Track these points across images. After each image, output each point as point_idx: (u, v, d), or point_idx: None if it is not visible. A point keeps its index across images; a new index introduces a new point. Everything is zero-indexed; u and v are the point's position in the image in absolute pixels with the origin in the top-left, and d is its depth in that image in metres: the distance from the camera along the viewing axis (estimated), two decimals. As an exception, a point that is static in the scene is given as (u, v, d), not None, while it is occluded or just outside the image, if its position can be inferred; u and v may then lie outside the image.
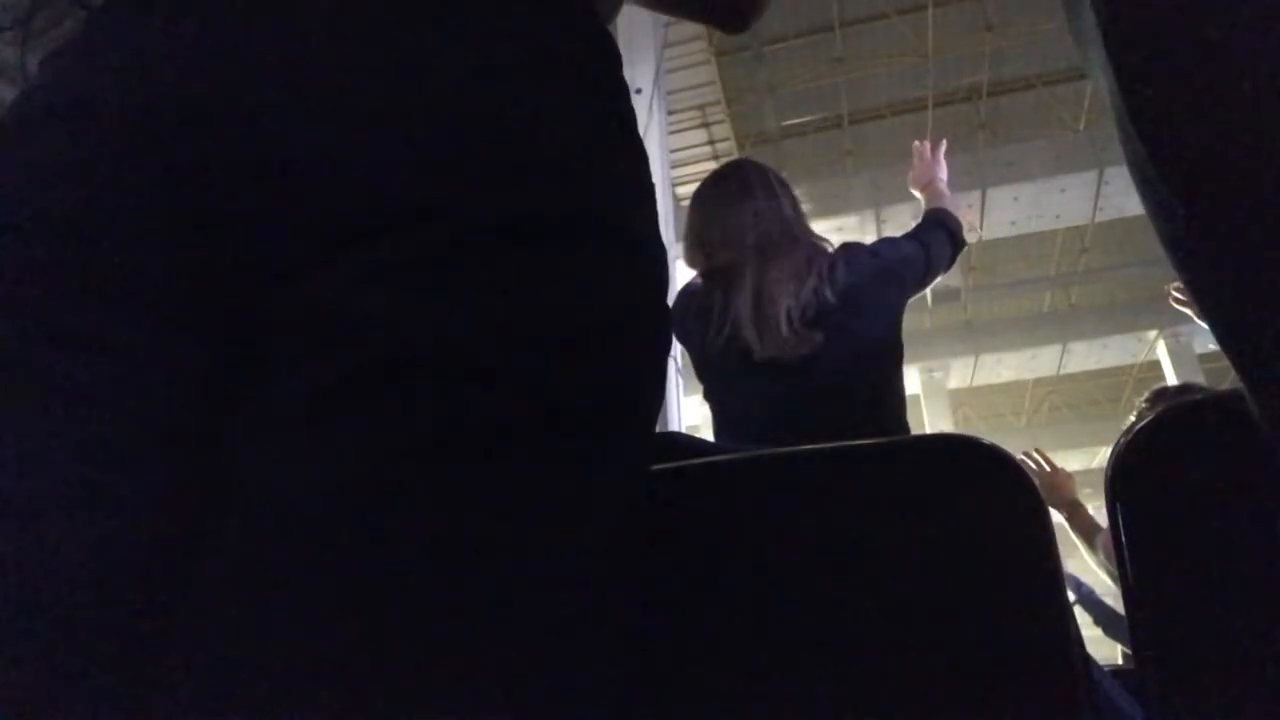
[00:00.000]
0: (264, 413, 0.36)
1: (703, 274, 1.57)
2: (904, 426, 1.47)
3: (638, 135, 0.48)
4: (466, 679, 0.33)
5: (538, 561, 0.35)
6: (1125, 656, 2.11)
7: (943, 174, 1.80)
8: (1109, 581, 2.12)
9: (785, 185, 1.57)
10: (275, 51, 0.40)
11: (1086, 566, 2.15)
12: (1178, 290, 1.94)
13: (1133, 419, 2.19)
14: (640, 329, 0.42)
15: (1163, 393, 2.17)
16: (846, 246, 1.54)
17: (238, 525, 0.34)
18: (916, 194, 1.82)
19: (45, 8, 0.43)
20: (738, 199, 1.53)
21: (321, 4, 0.41)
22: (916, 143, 1.85)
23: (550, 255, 0.38)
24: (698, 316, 1.52)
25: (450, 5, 0.42)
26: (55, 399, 0.36)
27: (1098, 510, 2.16)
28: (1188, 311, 1.95)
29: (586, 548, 0.38)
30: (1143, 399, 2.17)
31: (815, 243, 1.52)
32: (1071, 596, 2.17)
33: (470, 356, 0.35)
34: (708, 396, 1.57)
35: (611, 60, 0.48)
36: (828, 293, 1.41)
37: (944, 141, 1.84)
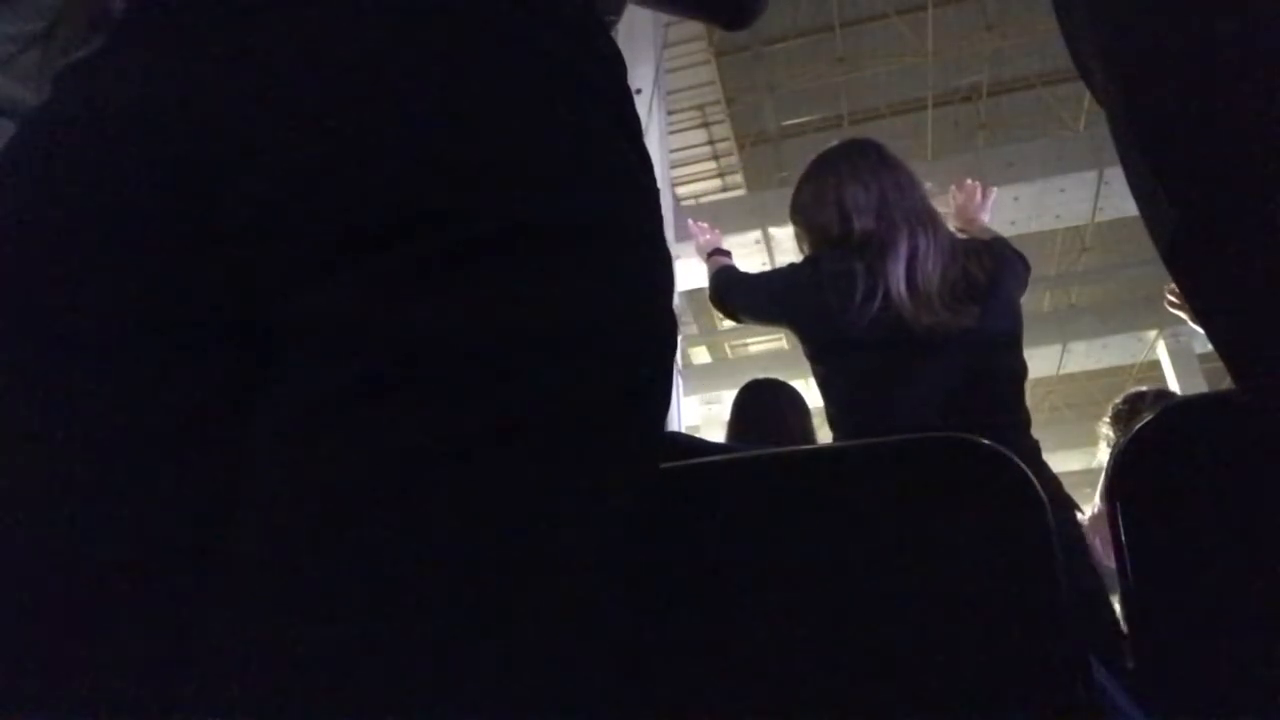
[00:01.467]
0: (272, 418, 0.36)
1: (830, 247, 1.52)
2: (1028, 425, 1.46)
3: (641, 138, 0.48)
4: (470, 676, 0.33)
5: (543, 562, 0.36)
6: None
7: (988, 218, 1.79)
8: None
9: (916, 176, 1.56)
10: (281, 62, 0.40)
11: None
12: (1173, 294, 1.95)
13: (1107, 421, 2.18)
14: (646, 331, 0.43)
15: (1141, 396, 2.18)
16: (982, 240, 1.57)
17: (248, 529, 0.34)
18: (957, 228, 1.78)
19: (63, 27, 0.43)
20: (880, 171, 1.51)
21: (326, 14, 0.41)
22: (969, 181, 1.82)
23: (555, 259, 0.39)
24: (832, 280, 1.47)
25: (452, 12, 0.42)
26: (68, 406, 0.36)
27: (1096, 509, 2.16)
28: (1182, 315, 1.95)
29: (591, 549, 0.38)
30: (1119, 400, 2.18)
31: (951, 231, 1.53)
32: None
33: (476, 361, 0.36)
34: (827, 364, 1.52)
35: (613, 63, 0.48)
36: (979, 274, 1.42)
37: (994, 190, 1.83)
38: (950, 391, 1.39)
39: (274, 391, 0.37)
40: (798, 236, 1.63)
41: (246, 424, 0.37)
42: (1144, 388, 2.39)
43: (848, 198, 1.50)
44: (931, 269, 1.41)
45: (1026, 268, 1.61)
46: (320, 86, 0.39)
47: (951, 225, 1.80)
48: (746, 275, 1.80)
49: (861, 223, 1.47)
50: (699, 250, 1.98)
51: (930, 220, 1.48)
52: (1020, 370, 1.47)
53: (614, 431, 0.39)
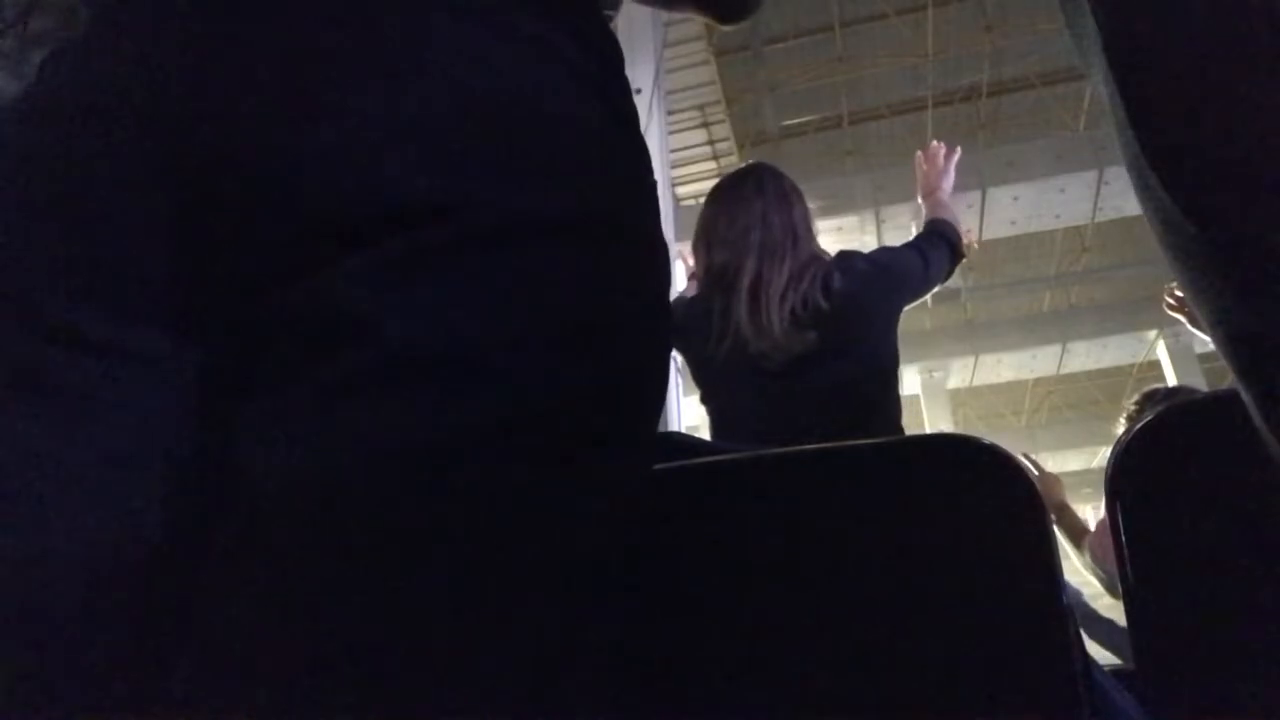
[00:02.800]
0: (269, 411, 0.36)
1: (701, 276, 1.58)
2: (899, 432, 1.48)
3: (639, 133, 0.48)
4: (466, 675, 0.33)
5: (540, 558, 0.35)
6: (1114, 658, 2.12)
7: (949, 184, 1.80)
8: (1095, 584, 2.14)
9: (800, 196, 1.58)
10: (278, 51, 0.39)
11: (1071, 568, 2.17)
12: (1172, 297, 1.95)
13: (1123, 421, 2.19)
14: (643, 326, 0.43)
15: (1153, 395, 2.18)
16: (844, 254, 1.56)
17: (243, 523, 0.34)
18: (919, 201, 1.82)
19: (39, 12, 0.42)
20: (749, 200, 1.54)
21: (323, 3, 0.41)
22: (934, 143, 1.83)
23: (553, 253, 0.39)
24: (696, 321, 1.54)
25: (451, 3, 0.42)
26: (61, 400, 0.36)
27: (1096, 510, 2.17)
28: (1180, 318, 1.95)
29: (588, 545, 0.38)
30: (1132, 400, 2.18)
31: (816, 252, 1.53)
32: None
33: (473, 355, 0.36)
34: (705, 401, 1.58)
35: (612, 57, 0.48)
36: (819, 297, 1.43)
37: (958, 149, 1.83)
38: (788, 415, 1.42)
39: (267, 384, 0.36)
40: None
41: (234, 419, 0.37)
42: (1158, 386, 2.39)
43: (712, 229, 1.56)
44: (772, 298, 1.43)
45: (950, 257, 1.62)
46: (311, 76, 0.39)
47: (919, 199, 1.82)
48: (679, 297, 1.82)
49: (719, 255, 1.52)
50: (688, 275, 2.00)
51: (785, 246, 1.49)
52: (880, 393, 1.48)
53: (609, 427, 0.39)
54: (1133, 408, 2.15)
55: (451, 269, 0.36)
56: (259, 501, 0.34)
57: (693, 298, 1.61)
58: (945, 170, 1.80)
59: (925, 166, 1.82)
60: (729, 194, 1.59)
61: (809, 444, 0.69)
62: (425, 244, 0.36)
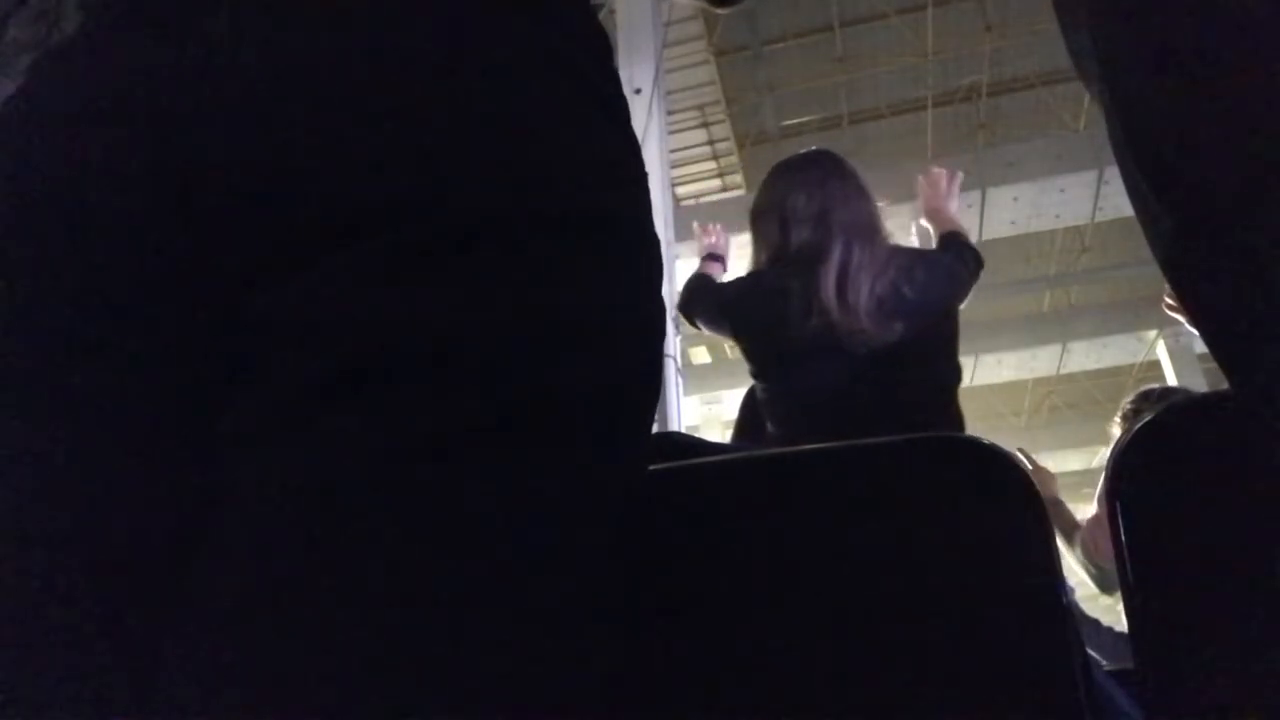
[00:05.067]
0: (254, 413, 0.36)
1: (770, 255, 1.55)
2: (960, 425, 1.48)
3: (629, 126, 0.47)
4: (460, 677, 0.33)
5: (533, 559, 0.35)
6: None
7: (954, 204, 1.81)
8: (1085, 578, 2.15)
9: (868, 187, 1.58)
10: (261, 55, 0.39)
11: (1070, 568, 2.17)
12: (1172, 298, 1.94)
13: (1118, 421, 2.20)
14: (634, 322, 0.42)
15: (1149, 394, 2.19)
16: (918, 251, 1.58)
17: (231, 525, 0.34)
18: (924, 222, 1.82)
19: (38, 9, 0.42)
20: (829, 180, 1.53)
21: (306, 6, 0.41)
22: (934, 169, 1.84)
23: (540, 250, 0.38)
24: (766, 299, 1.51)
25: (433, 1, 0.42)
26: (48, 403, 0.36)
27: (1092, 511, 2.18)
28: (1180, 319, 1.95)
29: (583, 544, 0.37)
30: (1128, 400, 2.20)
31: (893, 244, 1.54)
32: None
33: (460, 353, 0.35)
34: (771, 380, 1.55)
35: (600, 50, 0.48)
36: (906, 289, 1.43)
37: (960, 174, 1.84)
38: (876, 402, 1.41)
39: (252, 386, 0.36)
40: (754, 243, 1.65)
41: (222, 419, 0.36)
42: (1154, 386, 2.40)
43: (789, 207, 1.53)
44: (862, 282, 1.43)
45: (976, 265, 1.63)
46: (298, 75, 0.39)
47: (920, 217, 1.83)
48: (710, 283, 1.81)
49: (799, 233, 1.50)
50: (699, 251, 2.00)
51: (869, 232, 1.49)
52: (949, 377, 1.49)
53: (602, 424, 0.39)
54: (1129, 407, 2.15)
55: (435, 268, 0.36)
56: (244, 502, 0.34)
57: (760, 274, 1.58)
58: (950, 193, 1.81)
59: (928, 190, 1.82)
60: (801, 174, 1.57)
61: (880, 434, 0.68)
62: (409, 243, 0.36)
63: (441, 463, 0.34)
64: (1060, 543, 2.16)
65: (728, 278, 1.84)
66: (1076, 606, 2.18)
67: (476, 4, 0.42)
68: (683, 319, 1.85)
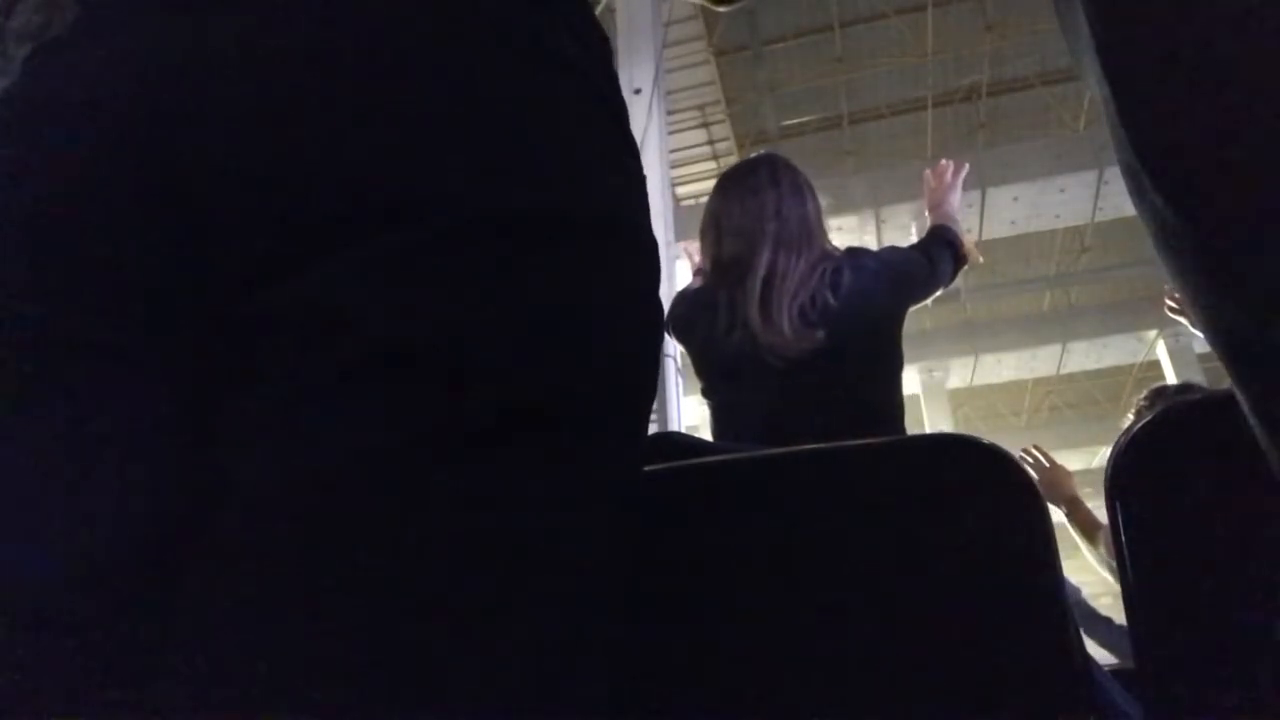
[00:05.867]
0: (254, 411, 0.36)
1: (708, 267, 1.55)
2: (901, 433, 1.47)
3: (627, 126, 0.47)
4: (458, 675, 0.32)
5: (532, 557, 0.35)
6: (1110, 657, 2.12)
7: (956, 198, 1.80)
8: (1110, 579, 2.11)
9: (812, 190, 1.55)
10: (261, 49, 0.39)
11: (1073, 566, 2.15)
12: (1172, 299, 1.94)
13: (1131, 417, 2.19)
14: (632, 320, 0.42)
15: (1162, 391, 2.17)
16: (853, 251, 1.54)
17: (231, 523, 0.34)
18: (926, 216, 1.82)
19: (24, 6, 0.42)
20: (762, 190, 1.51)
21: (302, 2, 0.40)
22: (942, 161, 1.83)
23: (539, 248, 0.38)
24: (701, 313, 1.51)
25: (435, 0, 0.42)
26: (44, 400, 0.36)
27: (1097, 510, 2.15)
28: (1181, 319, 1.95)
29: (581, 542, 0.37)
30: (1141, 396, 2.16)
31: (828, 248, 1.51)
32: None
33: (460, 351, 0.35)
34: (707, 394, 1.56)
35: (601, 49, 0.48)
36: (828, 295, 1.41)
37: (966, 165, 1.83)
38: (791, 413, 1.39)
39: (252, 384, 0.36)
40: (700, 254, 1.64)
41: (220, 418, 0.36)
42: (1168, 383, 2.37)
43: (723, 219, 1.52)
44: (785, 292, 1.40)
45: (951, 264, 1.60)
46: (290, 74, 0.39)
47: (925, 212, 1.82)
48: (683, 290, 1.81)
49: (730, 244, 1.48)
50: (693, 271, 2.00)
51: (800, 240, 1.46)
52: (884, 393, 1.45)
53: (600, 421, 0.39)
54: (1143, 403, 2.13)
55: (434, 266, 0.36)
56: (243, 500, 0.34)
57: (699, 288, 1.57)
58: (953, 185, 1.80)
59: (933, 183, 1.82)
60: (740, 183, 1.55)
61: (810, 443, 0.69)
62: (408, 241, 0.36)
63: (439, 462, 0.34)
64: (1082, 543, 2.13)
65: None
66: (1087, 605, 2.17)
67: (477, 4, 0.42)
68: None
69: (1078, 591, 2.23)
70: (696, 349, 1.56)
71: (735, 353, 1.44)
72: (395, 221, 0.36)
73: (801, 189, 1.53)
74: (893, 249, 1.63)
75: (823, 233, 1.53)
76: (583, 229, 0.40)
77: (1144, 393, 2.19)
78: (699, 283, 1.59)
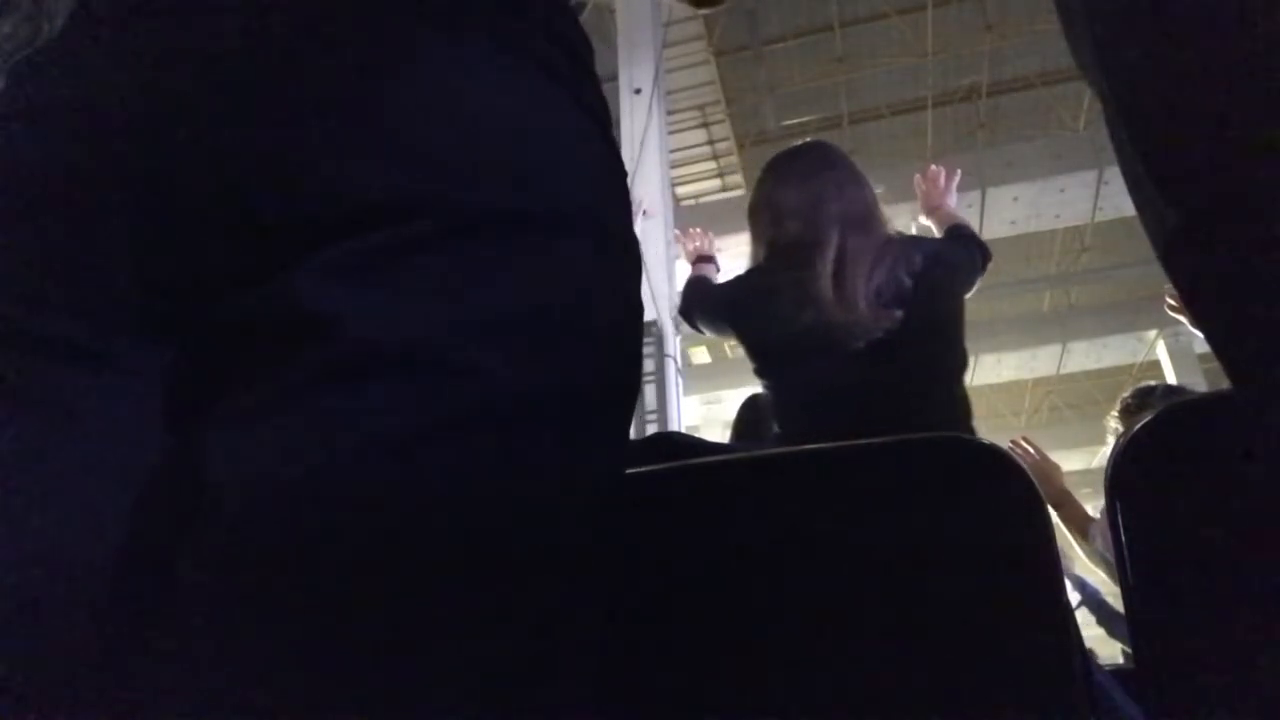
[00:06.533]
0: (234, 413, 0.36)
1: (764, 251, 1.54)
2: (968, 417, 1.46)
3: (609, 128, 0.48)
4: (443, 675, 0.32)
5: (515, 555, 0.35)
6: (1126, 656, 2.11)
7: (952, 200, 1.80)
8: (1105, 576, 2.11)
9: (863, 175, 1.56)
10: (240, 54, 0.39)
11: (1089, 566, 2.13)
12: (1172, 298, 1.95)
13: (1115, 415, 2.17)
14: (613, 322, 0.42)
15: (1149, 391, 2.17)
16: (916, 239, 1.55)
17: (213, 525, 0.34)
18: (924, 219, 1.82)
19: (12, 14, 0.42)
20: (819, 172, 1.51)
21: (288, 5, 0.41)
22: (933, 166, 1.84)
23: (520, 248, 0.38)
24: (761, 296, 1.50)
25: (417, 2, 0.42)
26: (27, 406, 0.36)
27: (1096, 509, 2.15)
28: (1181, 319, 1.95)
29: (565, 540, 0.37)
30: (1128, 394, 2.16)
31: (890, 233, 1.51)
32: (1076, 598, 2.15)
33: (440, 352, 0.35)
34: (768, 375, 1.54)
35: (582, 52, 0.48)
36: (904, 276, 1.41)
37: (958, 172, 1.84)
38: (877, 394, 1.39)
39: (228, 388, 0.36)
40: (751, 240, 1.64)
41: (201, 422, 0.36)
42: (1153, 383, 2.37)
43: (780, 200, 1.51)
44: (859, 272, 1.40)
45: (984, 256, 1.61)
46: (271, 78, 0.39)
47: (920, 216, 1.83)
48: (707, 284, 1.80)
49: (790, 226, 1.48)
50: (687, 258, 1.99)
51: (864, 221, 1.47)
52: (952, 362, 1.46)
53: (582, 420, 0.39)
54: (1128, 401, 2.13)
55: (415, 267, 0.36)
56: (227, 504, 0.34)
57: (755, 270, 1.56)
58: (947, 190, 1.81)
59: (924, 187, 1.82)
60: (793, 165, 1.55)
61: (879, 429, 0.68)
62: (388, 243, 0.36)
63: (420, 459, 0.34)
64: (1073, 540, 2.12)
65: (724, 276, 1.83)
66: (1110, 605, 2.16)
67: (460, 8, 0.42)
68: (684, 321, 1.85)
69: (1099, 592, 2.22)
70: (755, 332, 1.54)
71: (805, 334, 1.42)
72: (375, 223, 0.36)
73: (857, 173, 1.54)
74: (935, 240, 1.63)
75: (883, 217, 1.53)
76: (562, 228, 0.40)
77: (1129, 391, 2.18)
78: (758, 267, 1.57)
